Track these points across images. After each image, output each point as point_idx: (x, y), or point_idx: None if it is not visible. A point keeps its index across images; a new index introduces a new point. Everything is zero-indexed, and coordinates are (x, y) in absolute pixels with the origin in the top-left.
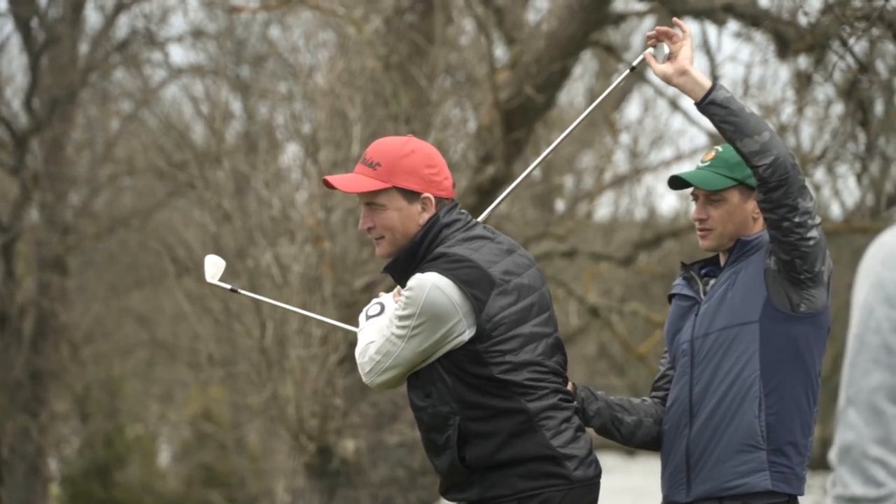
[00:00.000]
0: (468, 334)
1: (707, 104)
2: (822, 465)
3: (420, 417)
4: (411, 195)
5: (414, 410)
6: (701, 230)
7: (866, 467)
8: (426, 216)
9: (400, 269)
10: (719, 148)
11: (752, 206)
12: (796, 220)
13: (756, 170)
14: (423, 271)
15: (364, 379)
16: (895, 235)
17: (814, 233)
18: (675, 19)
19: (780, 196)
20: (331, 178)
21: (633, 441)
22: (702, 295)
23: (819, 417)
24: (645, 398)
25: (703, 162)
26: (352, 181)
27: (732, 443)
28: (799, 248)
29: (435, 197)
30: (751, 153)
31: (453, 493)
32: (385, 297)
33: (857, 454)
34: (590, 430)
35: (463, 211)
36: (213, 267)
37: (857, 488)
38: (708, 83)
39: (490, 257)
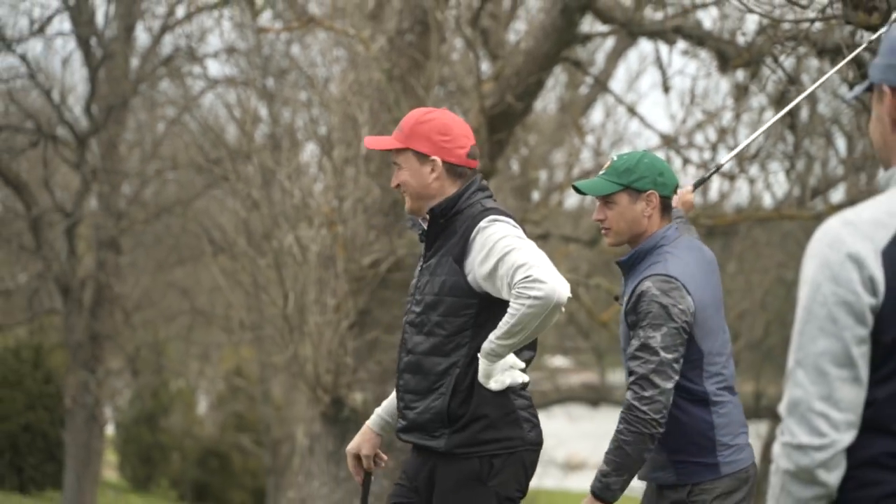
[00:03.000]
0: None
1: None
2: (755, 415)
3: (420, 362)
4: (423, 157)
5: (420, 353)
6: (602, 230)
7: (811, 420)
8: (433, 177)
9: (438, 217)
10: (614, 157)
11: (641, 206)
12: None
13: None
14: (473, 218)
15: (562, 293)
16: (840, 222)
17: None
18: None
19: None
20: (365, 139)
21: None
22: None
23: (752, 375)
24: None
25: (601, 171)
26: (375, 140)
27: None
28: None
29: (443, 161)
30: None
31: (418, 436)
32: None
33: (804, 408)
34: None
35: (486, 184)
36: None
37: (804, 437)
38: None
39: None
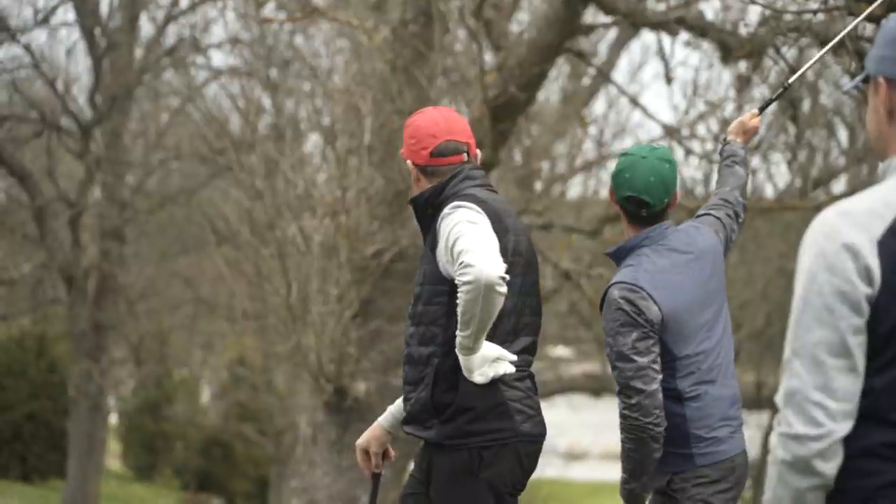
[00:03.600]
0: None
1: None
2: (755, 405)
3: (411, 352)
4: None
5: (414, 343)
6: None
7: (808, 410)
8: (413, 177)
9: (426, 208)
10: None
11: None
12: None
13: None
14: (447, 207)
15: (489, 274)
16: (836, 212)
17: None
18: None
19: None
20: None
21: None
22: None
23: (753, 365)
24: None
25: None
26: None
27: None
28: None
29: (413, 164)
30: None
31: (414, 428)
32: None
33: (801, 398)
34: None
35: (478, 173)
36: None
37: (800, 427)
38: None
39: (504, 207)
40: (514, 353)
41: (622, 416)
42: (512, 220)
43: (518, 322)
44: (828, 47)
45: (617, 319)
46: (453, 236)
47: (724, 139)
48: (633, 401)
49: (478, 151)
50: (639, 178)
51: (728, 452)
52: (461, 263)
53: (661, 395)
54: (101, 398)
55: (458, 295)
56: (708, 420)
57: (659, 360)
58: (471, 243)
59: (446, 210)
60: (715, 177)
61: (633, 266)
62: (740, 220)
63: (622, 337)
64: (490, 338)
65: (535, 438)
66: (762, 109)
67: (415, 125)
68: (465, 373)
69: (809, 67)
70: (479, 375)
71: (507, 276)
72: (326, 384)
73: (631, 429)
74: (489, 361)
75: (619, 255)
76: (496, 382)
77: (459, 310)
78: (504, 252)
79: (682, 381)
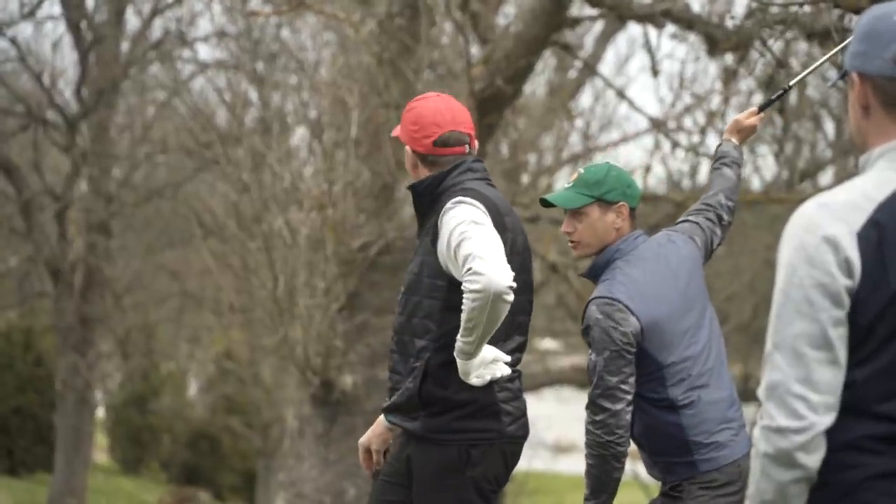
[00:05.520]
0: None
1: None
2: (743, 397)
3: (400, 342)
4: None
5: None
6: (570, 242)
7: (790, 402)
8: (410, 164)
9: (425, 196)
10: (581, 170)
11: (611, 218)
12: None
13: None
14: (449, 200)
15: (499, 283)
16: (815, 205)
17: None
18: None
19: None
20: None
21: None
22: None
23: (740, 357)
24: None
25: (568, 184)
26: (396, 129)
27: None
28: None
29: (413, 150)
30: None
31: (398, 417)
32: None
33: (782, 391)
34: None
35: (479, 166)
36: None
37: (782, 420)
38: None
39: (503, 203)
40: (507, 352)
41: (586, 432)
42: (510, 218)
43: (512, 322)
44: (839, 48)
45: (594, 336)
46: (458, 237)
47: (721, 139)
48: (598, 417)
49: (477, 143)
50: (635, 183)
51: (732, 456)
52: (469, 270)
53: (627, 416)
54: (88, 392)
55: (464, 301)
56: (706, 425)
57: (631, 380)
58: (478, 248)
59: (448, 204)
60: (702, 169)
61: (609, 280)
62: (724, 223)
63: (596, 354)
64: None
65: (520, 440)
66: (762, 108)
67: (417, 112)
68: (461, 375)
69: (819, 66)
70: (476, 378)
71: (515, 284)
72: (313, 377)
73: (593, 444)
74: (486, 364)
75: (594, 273)
76: (490, 383)
77: (464, 316)
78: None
79: (674, 390)
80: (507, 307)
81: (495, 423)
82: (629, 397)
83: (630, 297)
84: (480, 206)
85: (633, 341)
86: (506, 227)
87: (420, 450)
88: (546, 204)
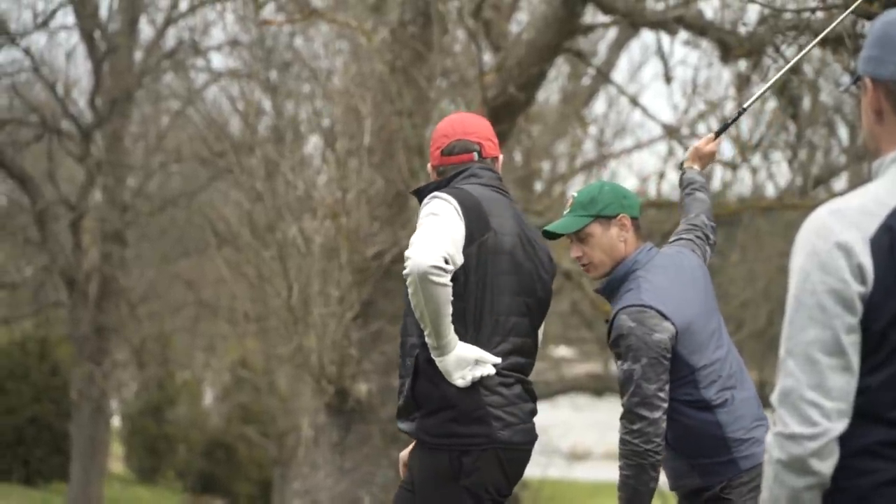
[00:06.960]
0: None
1: None
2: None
3: (403, 342)
4: None
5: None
6: (582, 266)
7: (803, 409)
8: (433, 179)
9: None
10: (574, 194)
11: (615, 231)
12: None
13: None
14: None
15: (420, 263)
16: (827, 210)
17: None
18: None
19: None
20: None
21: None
22: None
23: (755, 364)
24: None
25: (566, 211)
26: None
27: None
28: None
29: (431, 167)
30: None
31: (401, 421)
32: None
33: (795, 398)
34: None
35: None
36: None
37: (796, 427)
38: None
39: (497, 205)
40: (500, 355)
41: (622, 442)
42: (499, 219)
43: (498, 322)
44: (787, 67)
45: (628, 344)
46: (416, 230)
47: (681, 166)
48: (636, 427)
49: (499, 155)
50: (632, 194)
51: None
52: (405, 258)
53: (664, 425)
54: (104, 401)
55: None
56: (742, 422)
57: (667, 387)
58: (416, 235)
59: (426, 200)
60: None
61: (634, 290)
62: (711, 242)
63: (632, 362)
64: (474, 340)
65: (516, 446)
66: (718, 133)
67: (435, 129)
68: (445, 376)
69: (771, 85)
70: (459, 378)
71: (447, 266)
72: (328, 386)
73: (630, 454)
74: (470, 364)
75: (611, 287)
76: (477, 386)
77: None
78: (480, 247)
79: (707, 391)
80: (440, 289)
81: (483, 429)
82: (665, 405)
83: (662, 302)
84: (452, 199)
85: (669, 346)
86: (488, 226)
87: (416, 456)
88: (550, 235)
